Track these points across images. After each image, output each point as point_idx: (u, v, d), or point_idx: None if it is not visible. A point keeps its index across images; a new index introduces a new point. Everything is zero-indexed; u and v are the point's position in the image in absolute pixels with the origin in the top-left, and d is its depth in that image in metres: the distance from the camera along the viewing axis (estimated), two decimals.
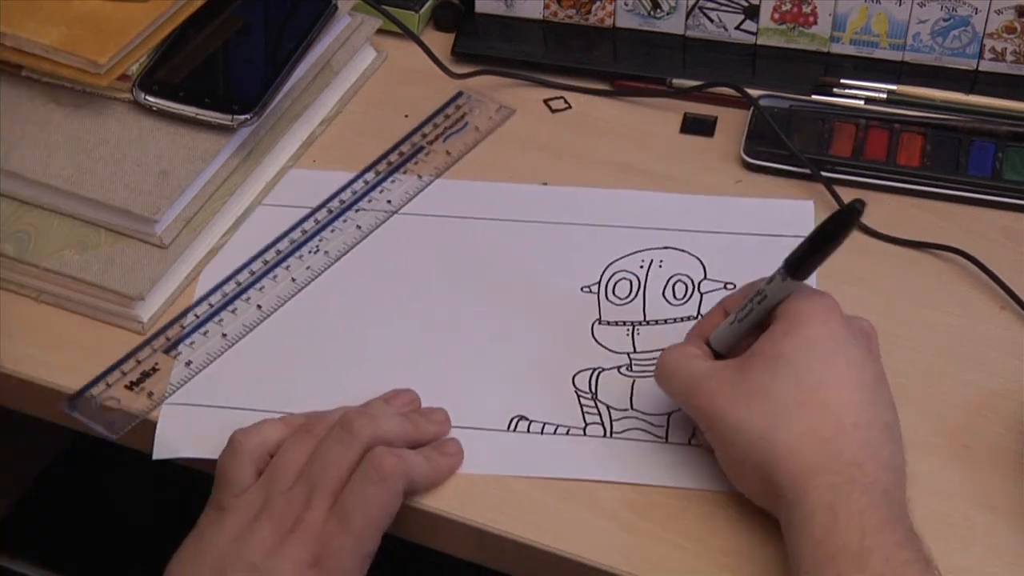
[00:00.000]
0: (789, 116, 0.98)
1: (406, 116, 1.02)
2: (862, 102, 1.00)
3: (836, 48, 1.04)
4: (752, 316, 0.77)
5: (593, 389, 0.83)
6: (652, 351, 0.85)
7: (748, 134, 0.98)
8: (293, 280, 0.91)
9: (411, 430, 0.80)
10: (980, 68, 1.02)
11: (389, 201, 0.96)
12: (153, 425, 0.83)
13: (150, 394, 0.84)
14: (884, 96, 1.00)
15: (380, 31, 1.05)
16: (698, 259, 0.90)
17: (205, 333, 0.87)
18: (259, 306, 0.89)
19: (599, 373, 0.84)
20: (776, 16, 1.03)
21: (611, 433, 0.81)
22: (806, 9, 1.02)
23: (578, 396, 0.83)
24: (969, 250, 0.90)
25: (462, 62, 1.05)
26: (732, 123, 1.00)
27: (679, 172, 0.97)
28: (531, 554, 0.77)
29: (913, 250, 0.91)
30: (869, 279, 0.89)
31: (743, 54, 1.05)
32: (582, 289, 0.89)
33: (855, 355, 0.75)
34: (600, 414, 0.82)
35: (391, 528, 0.76)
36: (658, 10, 1.05)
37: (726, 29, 1.05)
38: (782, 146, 0.97)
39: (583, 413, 0.82)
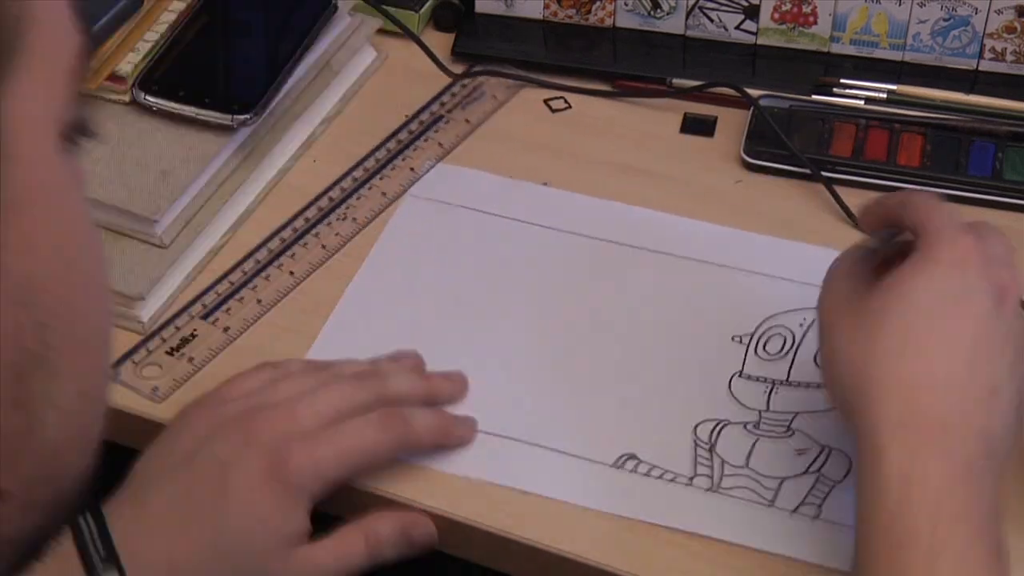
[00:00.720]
0: (789, 116, 0.98)
1: (406, 116, 1.02)
2: (862, 102, 1.00)
3: (836, 48, 1.04)
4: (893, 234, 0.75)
5: (713, 441, 0.81)
6: (785, 412, 0.82)
7: (748, 134, 0.98)
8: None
9: (424, 388, 0.80)
10: (980, 68, 1.02)
11: (412, 169, 0.97)
12: (158, 425, 0.82)
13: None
14: (884, 96, 1.00)
15: (380, 31, 1.05)
16: None
17: (241, 299, 0.89)
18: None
19: (724, 426, 0.81)
20: (776, 16, 1.03)
21: (717, 487, 0.78)
22: (806, 9, 1.02)
23: (696, 445, 0.80)
24: None
25: (462, 62, 1.05)
26: (732, 123, 1.00)
27: (679, 172, 0.97)
28: (533, 555, 0.77)
29: None
30: None
31: (743, 54, 1.05)
32: (732, 338, 0.86)
33: (978, 308, 0.70)
34: (712, 467, 0.79)
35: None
36: (658, 10, 1.05)
37: (726, 29, 1.05)
38: (782, 146, 0.96)
39: (695, 463, 0.80)
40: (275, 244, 0.92)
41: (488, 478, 0.79)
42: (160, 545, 0.73)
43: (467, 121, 1.00)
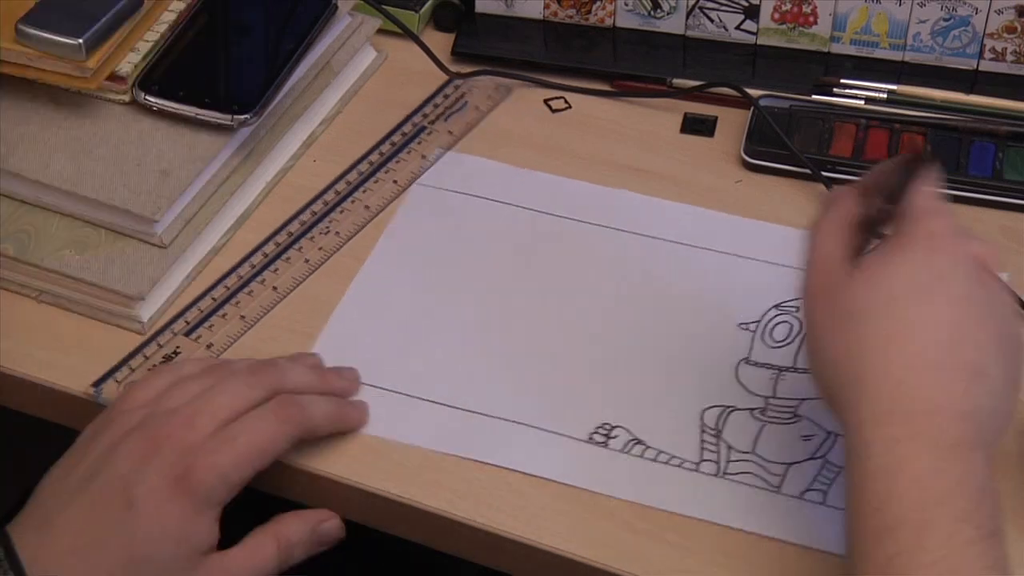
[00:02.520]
0: (789, 116, 0.98)
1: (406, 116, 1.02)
2: (862, 102, 1.00)
3: (836, 48, 1.04)
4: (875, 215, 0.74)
5: (719, 427, 0.81)
6: (791, 399, 0.82)
7: (748, 134, 0.98)
8: (307, 261, 0.91)
9: (319, 382, 0.80)
10: (980, 68, 1.02)
11: (395, 181, 0.96)
12: None
13: None
14: (884, 96, 1.00)
15: (380, 31, 1.05)
16: None
17: (221, 317, 0.88)
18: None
19: (730, 412, 0.82)
20: (776, 16, 1.03)
21: (723, 473, 0.79)
22: (806, 9, 1.02)
23: (702, 431, 0.81)
24: None
25: (462, 62, 1.05)
26: (732, 123, 1.00)
27: (679, 172, 0.97)
28: (531, 554, 0.77)
29: None
30: None
31: (743, 54, 1.05)
32: (739, 325, 0.86)
33: (957, 290, 0.70)
34: (718, 453, 0.80)
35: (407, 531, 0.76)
36: (658, 10, 1.05)
37: (726, 29, 1.05)
38: (782, 146, 0.97)
39: (702, 448, 0.80)
40: (258, 259, 0.91)
41: (496, 462, 0.80)
42: (71, 565, 0.72)
43: (450, 133, 0.99)
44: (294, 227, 0.93)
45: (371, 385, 0.83)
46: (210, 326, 0.87)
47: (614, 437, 0.81)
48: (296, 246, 0.92)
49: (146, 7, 0.95)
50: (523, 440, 0.81)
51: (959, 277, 0.70)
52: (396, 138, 0.99)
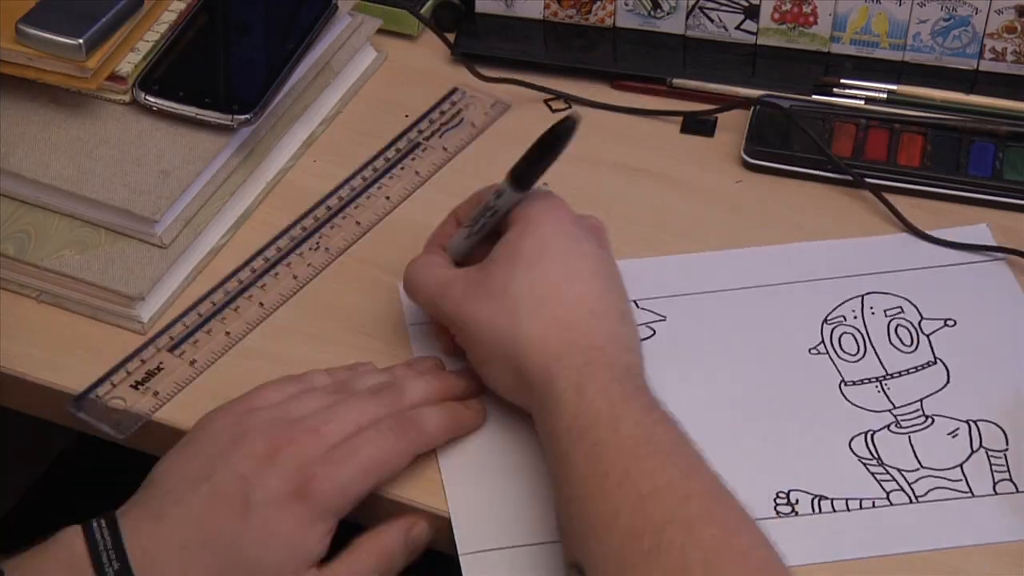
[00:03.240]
0: (789, 116, 0.98)
1: (406, 116, 1.02)
2: (862, 102, 1.00)
3: (836, 48, 1.04)
4: (486, 227, 0.81)
5: (875, 453, 0.79)
6: (910, 402, 0.82)
7: (748, 134, 0.98)
8: (295, 277, 0.91)
9: (438, 389, 0.81)
10: (980, 68, 1.02)
11: (388, 197, 0.96)
12: (158, 425, 0.82)
13: (155, 393, 0.84)
14: (884, 96, 1.00)
15: (380, 31, 1.05)
16: (906, 299, 0.87)
17: (208, 331, 0.88)
18: (261, 304, 0.89)
19: (872, 435, 0.80)
20: (776, 16, 1.03)
21: (916, 498, 0.77)
22: (806, 9, 1.02)
23: (864, 464, 0.79)
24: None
25: (462, 62, 1.05)
26: (732, 123, 1.00)
27: (679, 172, 0.97)
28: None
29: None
30: None
31: (743, 54, 1.05)
32: (809, 351, 0.85)
33: (587, 249, 0.79)
34: (895, 479, 0.78)
35: None
36: (658, 10, 1.05)
37: (726, 29, 1.05)
38: (782, 146, 0.97)
39: (878, 481, 0.78)
40: (246, 275, 0.91)
41: None
42: (175, 563, 0.72)
43: (444, 149, 0.99)
44: (283, 243, 0.93)
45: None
46: (195, 342, 0.87)
47: (795, 502, 0.77)
48: (285, 262, 0.92)
49: (146, 7, 0.95)
50: None
51: (585, 239, 0.80)
52: (390, 153, 0.99)
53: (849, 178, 0.95)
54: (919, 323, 0.86)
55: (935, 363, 0.84)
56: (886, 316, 0.86)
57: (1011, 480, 0.78)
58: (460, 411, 0.81)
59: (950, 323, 0.86)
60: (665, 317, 0.87)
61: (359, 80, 1.04)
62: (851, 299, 0.87)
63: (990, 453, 0.79)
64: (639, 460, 0.70)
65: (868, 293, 0.88)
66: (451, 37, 1.07)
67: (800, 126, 0.96)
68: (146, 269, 0.88)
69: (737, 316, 0.87)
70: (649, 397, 0.74)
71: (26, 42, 0.91)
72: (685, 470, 0.70)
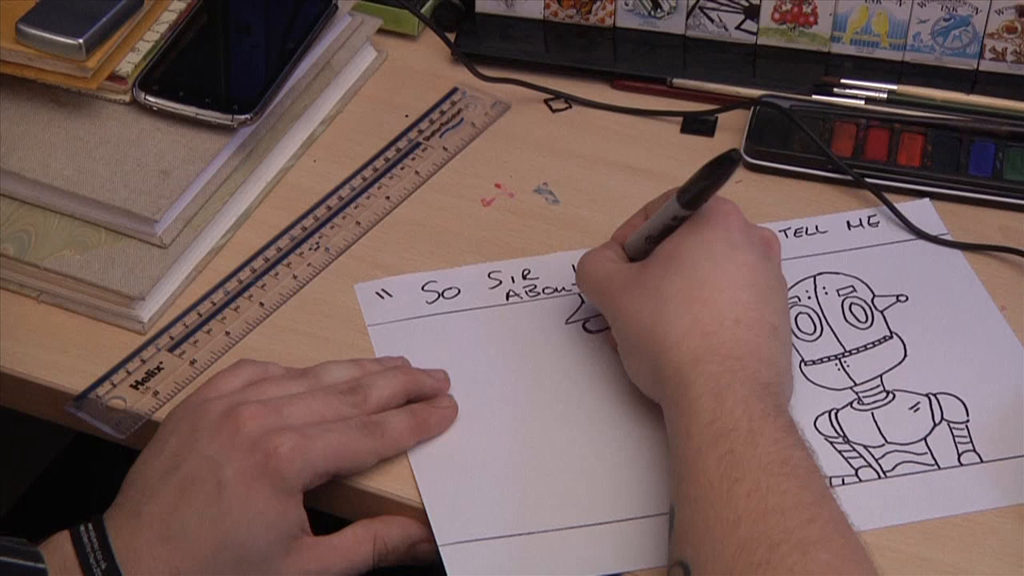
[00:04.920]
0: (789, 116, 0.98)
1: (406, 116, 1.02)
2: (862, 102, 1.00)
3: (836, 48, 1.04)
4: (663, 230, 0.80)
5: (841, 431, 0.80)
6: (871, 378, 0.83)
7: (748, 134, 0.98)
8: (295, 277, 0.91)
9: (405, 387, 0.81)
10: (980, 68, 1.02)
11: (388, 197, 0.96)
12: (158, 425, 0.82)
13: (155, 393, 0.84)
14: (884, 96, 1.00)
15: (380, 30, 1.05)
16: (857, 278, 0.88)
17: (208, 331, 0.88)
18: (261, 303, 0.89)
19: (836, 413, 0.81)
20: (776, 16, 1.03)
21: (884, 473, 0.78)
22: (806, 9, 1.02)
23: (830, 443, 0.80)
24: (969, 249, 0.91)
25: (461, 62, 1.05)
26: (732, 123, 1.00)
27: (679, 172, 0.97)
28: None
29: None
30: None
31: (743, 54, 1.05)
32: None
33: (748, 258, 0.78)
34: (862, 455, 0.79)
35: None
36: (658, 10, 1.05)
37: (726, 29, 1.05)
38: (783, 146, 0.97)
39: (845, 459, 0.79)
40: (246, 275, 0.91)
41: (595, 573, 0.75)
42: (161, 554, 0.73)
43: (444, 149, 0.99)
44: (283, 243, 0.93)
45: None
46: (195, 342, 0.87)
47: None
48: (285, 262, 0.92)
49: (146, 7, 0.95)
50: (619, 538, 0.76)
51: (748, 248, 0.78)
52: (390, 153, 0.99)
53: (849, 178, 0.95)
54: (872, 300, 0.87)
55: (891, 337, 0.85)
56: (839, 295, 0.87)
57: (975, 451, 0.79)
58: (427, 413, 0.81)
59: (902, 299, 0.87)
60: None
61: (359, 80, 1.04)
62: (803, 279, 0.89)
63: (952, 425, 0.80)
64: (773, 476, 0.69)
65: (820, 273, 0.89)
66: (451, 37, 1.07)
67: (800, 126, 0.96)
68: (146, 269, 0.88)
69: None
70: (787, 419, 0.72)
71: (26, 42, 0.91)
72: (816, 496, 0.69)
